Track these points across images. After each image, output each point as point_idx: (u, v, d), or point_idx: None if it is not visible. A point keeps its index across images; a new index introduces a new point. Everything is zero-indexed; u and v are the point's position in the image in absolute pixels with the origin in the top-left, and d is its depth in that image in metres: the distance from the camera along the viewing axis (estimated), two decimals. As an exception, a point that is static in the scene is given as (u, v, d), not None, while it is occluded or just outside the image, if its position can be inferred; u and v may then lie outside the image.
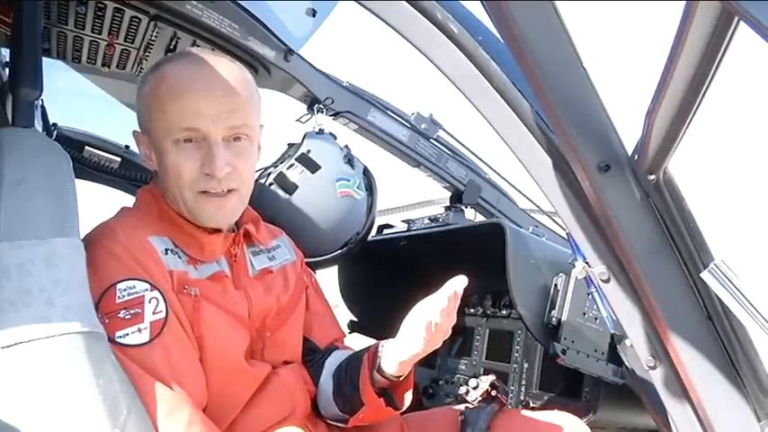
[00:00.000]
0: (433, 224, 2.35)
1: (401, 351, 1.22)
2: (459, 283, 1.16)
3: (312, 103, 2.11)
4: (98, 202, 2.01)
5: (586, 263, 1.24)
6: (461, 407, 1.50)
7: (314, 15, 2.02)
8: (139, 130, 1.28)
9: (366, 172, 2.07)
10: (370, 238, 2.16)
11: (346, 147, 2.06)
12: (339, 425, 1.38)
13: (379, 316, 2.59)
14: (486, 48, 1.18)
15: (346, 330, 2.43)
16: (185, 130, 1.17)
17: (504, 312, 2.19)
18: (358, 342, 1.75)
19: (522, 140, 1.18)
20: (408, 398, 1.29)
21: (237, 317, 1.26)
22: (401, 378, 1.27)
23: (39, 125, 1.91)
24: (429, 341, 1.17)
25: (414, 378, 1.32)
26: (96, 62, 1.99)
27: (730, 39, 0.77)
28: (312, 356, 1.43)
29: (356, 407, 1.28)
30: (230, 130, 1.20)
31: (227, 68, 1.23)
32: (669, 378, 1.18)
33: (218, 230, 1.28)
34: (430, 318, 1.15)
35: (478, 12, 1.08)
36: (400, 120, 2.31)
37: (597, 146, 1.03)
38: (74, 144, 2.16)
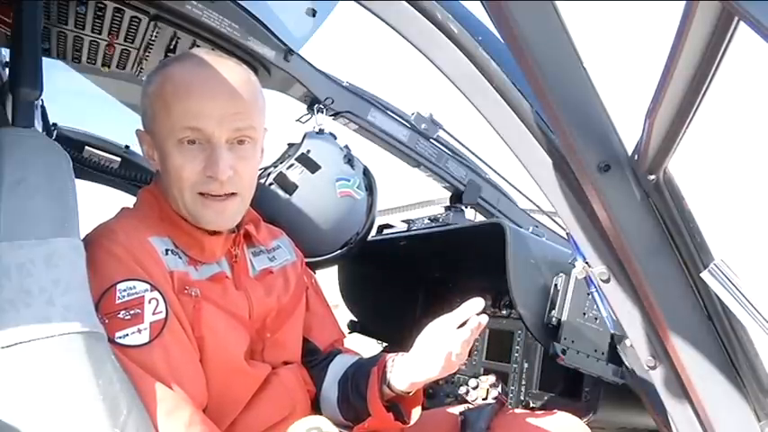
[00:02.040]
0: (433, 224, 2.35)
1: (415, 372, 1.22)
2: (476, 307, 1.21)
3: (312, 103, 2.11)
4: (98, 202, 2.01)
5: (586, 263, 1.24)
6: (461, 407, 1.50)
7: (314, 15, 2.02)
8: (143, 130, 1.28)
9: (366, 172, 2.07)
10: (370, 238, 2.16)
11: (346, 147, 2.06)
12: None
13: (379, 316, 2.59)
14: (486, 48, 1.18)
15: (346, 330, 2.43)
16: (188, 130, 1.17)
17: (504, 312, 2.20)
18: (358, 342, 1.75)
19: (522, 140, 1.18)
20: (416, 414, 1.29)
21: (238, 317, 1.26)
22: (410, 393, 1.28)
23: (39, 125, 1.91)
24: (446, 368, 1.19)
25: (422, 393, 1.32)
26: (96, 62, 1.99)
27: (730, 39, 0.76)
28: (312, 357, 1.43)
29: (362, 417, 1.28)
30: (234, 132, 1.19)
31: (234, 71, 1.22)
32: (669, 378, 1.18)
33: (218, 232, 1.28)
34: (451, 349, 1.17)
35: (478, 12, 1.08)
36: (400, 120, 2.31)
37: (597, 146, 1.03)
38: (74, 144, 2.16)
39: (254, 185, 1.30)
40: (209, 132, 1.17)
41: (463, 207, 2.47)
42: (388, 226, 2.53)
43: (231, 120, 1.18)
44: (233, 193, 1.22)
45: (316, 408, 1.39)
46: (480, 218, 2.56)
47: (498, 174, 2.52)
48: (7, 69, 1.46)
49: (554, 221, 2.40)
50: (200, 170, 1.18)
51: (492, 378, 2.09)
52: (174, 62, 1.25)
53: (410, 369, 1.24)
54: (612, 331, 1.54)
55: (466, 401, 1.62)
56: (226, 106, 1.18)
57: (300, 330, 1.42)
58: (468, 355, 2.26)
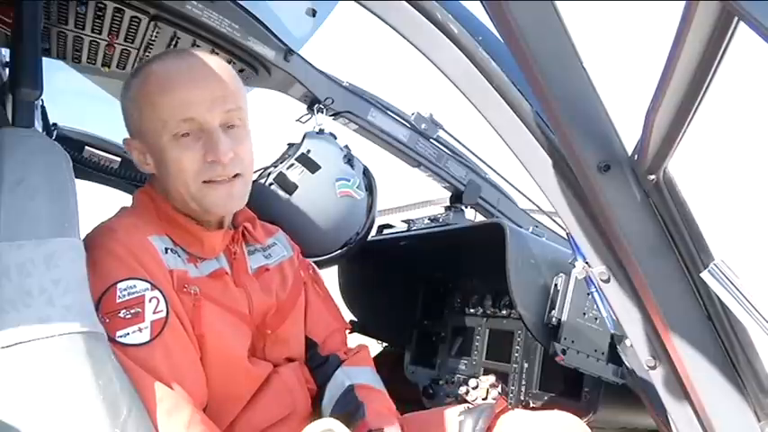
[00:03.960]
0: (433, 224, 2.35)
1: None
2: None
3: (312, 103, 2.11)
4: (98, 202, 2.01)
5: (586, 263, 1.24)
6: (461, 407, 1.50)
7: (314, 15, 2.02)
8: (129, 137, 1.27)
9: (366, 172, 2.07)
10: (370, 238, 2.16)
11: (346, 147, 2.06)
12: None
13: (379, 316, 2.59)
14: (487, 48, 1.18)
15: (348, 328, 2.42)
16: (181, 122, 1.18)
17: (504, 312, 2.20)
18: (358, 343, 1.75)
19: (522, 140, 1.18)
20: None
21: (238, 314, 1.26)
22: None
23: (39, 125, 1.90)
24: None
25: None
26: (96, 62, 1.99)
27: (730, 39, 0.76)
28: (311, 352, 1.43)
29: None
30: (225, 114, 1.21)
31: (211, 59, 1.25)
32: (669, 378, 1.18)
33: (218, 227, 1.28)
34: None
35: (478, 12, 1.08)
36: (400, 120, 2.31)
37: (597, 146, 1.03)
38: (74, 144, 2.15)
39: (253, 166, 1.32)
40: (201, 119, 1.18)
41: (463, 207, 2.47)
42: (388, 226, 2.53)
43: (220, 103, 1.19)
44: (237, 175, 1.23)
45: (316, 406, 1.39)
46: (480, 218, 2.56)
47: (498, 174, 2.52)
48: (7, 69, 1.46)
49: (554, 221, 2.40)
50: (200, 158, 1.19)
51: (492, 378, 2.09)
52: (151, 61, 1.26)
53: None
54: (612, 331, 1.54)
55: (466, 401, 1.62)
56: (213, 90, 1.19)
57: (302, 326, 1.43)
58: (468, 355, 2.28)
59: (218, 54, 1.85)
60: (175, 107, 1.17)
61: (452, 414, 1.47)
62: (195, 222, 1.25)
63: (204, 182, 1.21)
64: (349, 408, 1.31)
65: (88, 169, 2.10)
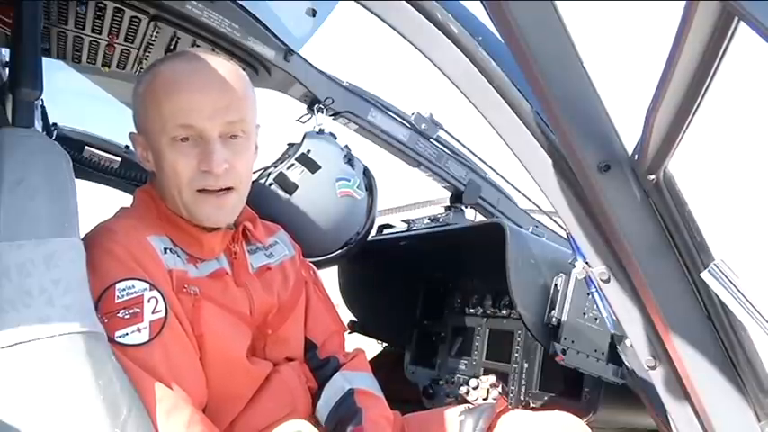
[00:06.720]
0: (433, 224, 2.35)
1: None
2: None
3: (312, 103, 2.11)
4: (98, 202, 2.01)
5: (586, 263, 1.24)
6: (461, 407, 1.50)
7: (314, 15, 2.02)
8: (136, 132, 1.28)
9: (366, 172, 2.07)
10: (370, 238, 2.16)
11: (346, 147, 2.06)
12: None
13: (379, 316, 2.59)
14: (487, 48, 1.18)
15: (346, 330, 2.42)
16: (180, 128, 1.17)
17: (504, 312, 2.19)
18: (358, 343, 1.75)
19: (521, 140, 1.18)
20: None
21: (239, 314, 1.26)
22: None
23: (39, 125, 1.90)
24: None
25: None
26: (96, 62, 1.99)
27: (730, 39, 0.76)
28: (310, 353, 1.43)
29: None
30: (226, 126, 1.20)
31: (222, 66, 1.23)
32: (669, 378, 1.18)
33: (216, 228, 1.28)
34: None
35: (478, 12, 1.08)
36: (400, 120, 2.31)
37: (597, 146, 1.03)
38: (74, 144, 2.15)
39: (249, 180, 1.31)
40: (200, 128, 1.18)
41: (463, 207, 2.47)
42: (388, 226, 2.53)
43: (222, 114, 1.18)
44: (230, 188, 1.23)
45: (315, 406, 1.39)
46: (480, 218, 2.56)
47: (498, 174, 2.52)
48: (7, 69, 1.46)
49: (554, 221, 2.40)
50: (194, 165, 1.19)
51: (492, 378, 2.09)
52: (163, 61, 1.26)
53: None
54: (612, 331, 1.54)
55: (466, 401, 1.62)
56: (216, 100, 1.18)
57: (302, 326, 1.43)
58: (468, 355, 2.28)
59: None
60: (176, 112, 1.17)
61: (453, 414, 1.47)
62: (193, 224, 1.25)
63: (198, 191, 1.21)
64: (347, 413, 1.31)
65: (88, 169, 2.11)
